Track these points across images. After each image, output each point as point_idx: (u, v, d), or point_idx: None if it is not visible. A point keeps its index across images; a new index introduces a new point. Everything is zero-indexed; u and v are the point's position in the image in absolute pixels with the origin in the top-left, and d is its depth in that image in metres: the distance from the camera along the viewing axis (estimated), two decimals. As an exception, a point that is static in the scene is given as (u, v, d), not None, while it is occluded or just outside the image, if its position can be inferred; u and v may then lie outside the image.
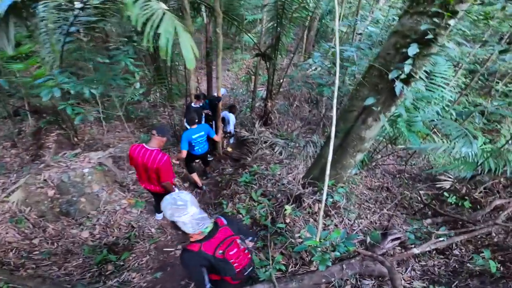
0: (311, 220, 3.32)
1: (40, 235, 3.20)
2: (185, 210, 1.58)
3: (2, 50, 3.61)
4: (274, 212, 3.46)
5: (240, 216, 3.64)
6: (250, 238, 2.15)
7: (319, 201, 3.38)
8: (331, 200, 3.39)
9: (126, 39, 4.40)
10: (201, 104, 5.20)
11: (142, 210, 3.94)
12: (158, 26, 2.28)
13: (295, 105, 10.25)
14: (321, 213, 2.47)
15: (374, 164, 5.12)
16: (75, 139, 6.74)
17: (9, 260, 2.86)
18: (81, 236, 3.32)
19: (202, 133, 4.18)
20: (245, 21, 11.27)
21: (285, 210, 3.21)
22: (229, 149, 6.75)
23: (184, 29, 2.41)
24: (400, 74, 2.42)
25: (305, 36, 10.36)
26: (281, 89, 10.58)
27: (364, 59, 3.56)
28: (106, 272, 2.92)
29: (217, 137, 4.61)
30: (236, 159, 6.32)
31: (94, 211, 3.64)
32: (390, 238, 3.05)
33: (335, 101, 2.34)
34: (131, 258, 3.10)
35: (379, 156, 5.42)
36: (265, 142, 6.55)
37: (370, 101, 2.68)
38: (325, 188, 2.47)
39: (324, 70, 4.35)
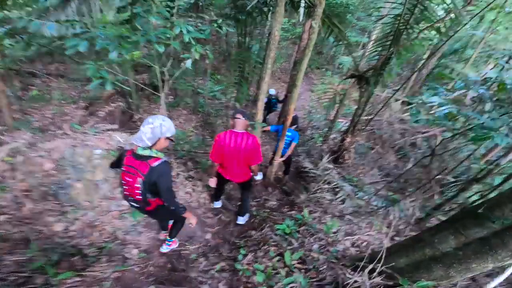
0: None
1: (11, 212, 2.54)
2: (150, 124, 1.86)
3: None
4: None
5: (254, 279, 2.35)
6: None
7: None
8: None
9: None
10: None
11: (137, 222, 2.96)
12: None
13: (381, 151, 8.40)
14: None
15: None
16: (135, 116, 6.65)
17: None
18: (52, 228, 2.55)
19: (290, 134, 4.58)
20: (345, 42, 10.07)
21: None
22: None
23: None
24: None
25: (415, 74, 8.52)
26: (367, 127, 8.91)
27: None
28: (31, 284, 1.99)
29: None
30: (287, 192, 5.04)
31: (86, 202, 2.87)
32: None
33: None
34: (70, 281, 2.09)
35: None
36: (328, 183, 5.10)
37: None
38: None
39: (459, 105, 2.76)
